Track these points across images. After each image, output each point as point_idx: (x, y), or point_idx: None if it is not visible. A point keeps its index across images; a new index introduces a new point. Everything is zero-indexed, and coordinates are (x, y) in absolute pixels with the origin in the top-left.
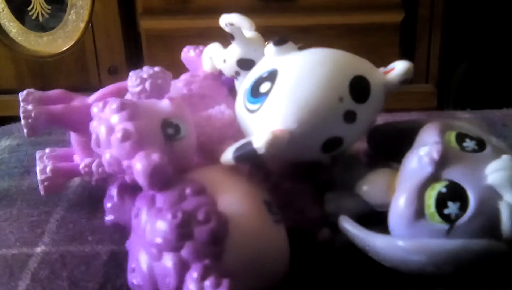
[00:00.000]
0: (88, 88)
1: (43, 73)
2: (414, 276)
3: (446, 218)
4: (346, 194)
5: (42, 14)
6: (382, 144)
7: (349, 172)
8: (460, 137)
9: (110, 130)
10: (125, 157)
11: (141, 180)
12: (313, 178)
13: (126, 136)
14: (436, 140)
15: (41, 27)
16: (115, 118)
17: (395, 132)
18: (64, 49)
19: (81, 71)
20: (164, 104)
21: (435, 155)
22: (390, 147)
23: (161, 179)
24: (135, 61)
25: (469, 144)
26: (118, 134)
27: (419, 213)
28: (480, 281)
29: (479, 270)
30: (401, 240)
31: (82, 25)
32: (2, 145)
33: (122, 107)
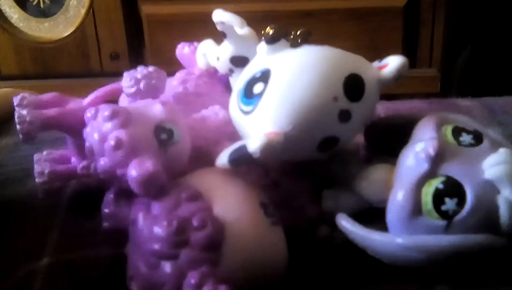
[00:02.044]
0: (90, 74)
1: (45, 59)
2: (414, 272)
3: (443, 214)
4: (343, 191)
5: (43, 0)
6: (379, 140)
7: (346, 169)
8: (457, 132)
9: (103, 138)
10: (119, 165)
11: (135, 188)
12: (310, 176)
13: (119, 145)
14: (432, 135)
15: (42, 13)
16: (107, 126)
17: (392, 127)
18: (66, 35)
19: (82, 57)
20: (157, 108)
21: (431, 151)
22: (388, 142)
23: (156, 186)
24: (136, 47)
25: (465, 138)
26: (111, 142)
27: (416, 210)
28: (479, 276)
29: (479, 265)
30: (399, 237)
31: (83, 11)
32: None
33: (114, 115)
